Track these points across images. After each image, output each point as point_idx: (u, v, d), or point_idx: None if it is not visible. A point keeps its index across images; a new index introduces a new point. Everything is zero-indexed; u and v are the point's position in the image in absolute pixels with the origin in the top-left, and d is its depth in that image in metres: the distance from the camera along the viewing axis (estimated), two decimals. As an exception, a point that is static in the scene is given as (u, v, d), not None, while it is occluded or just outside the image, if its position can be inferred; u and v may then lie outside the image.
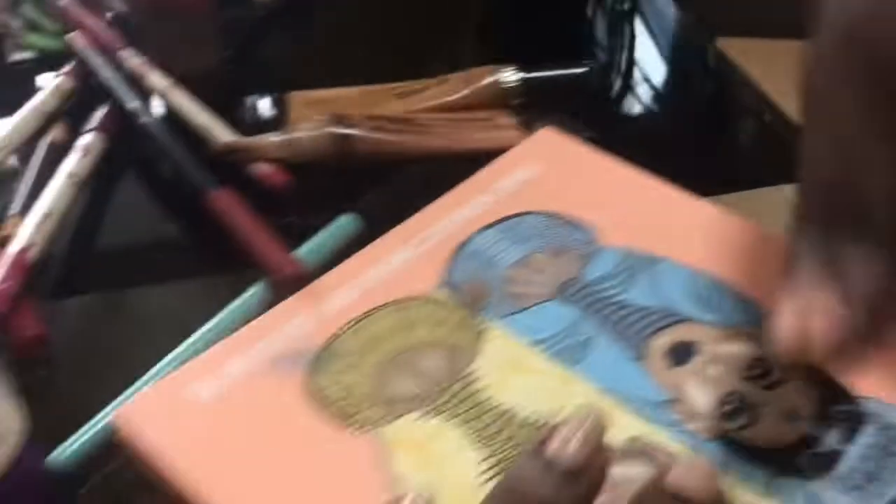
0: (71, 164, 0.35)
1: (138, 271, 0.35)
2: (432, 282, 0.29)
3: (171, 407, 0.25)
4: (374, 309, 0.28)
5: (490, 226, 0.31)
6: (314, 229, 0.34)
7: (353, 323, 0.27)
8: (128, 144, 0.39)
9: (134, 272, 0.35)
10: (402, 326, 0.27)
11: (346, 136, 0.37)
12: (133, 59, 0.42)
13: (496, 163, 0.33)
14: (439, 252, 0.30)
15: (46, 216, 0.33)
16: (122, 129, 0.39)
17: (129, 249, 0.37)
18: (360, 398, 0.25)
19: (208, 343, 0.29)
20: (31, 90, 0.43)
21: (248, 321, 0.29)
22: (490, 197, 0.32)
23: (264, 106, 0.41)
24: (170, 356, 0.29)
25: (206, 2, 0.40)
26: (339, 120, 0.37)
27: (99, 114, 0.39)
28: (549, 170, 0.33)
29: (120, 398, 0.28)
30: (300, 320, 0.28)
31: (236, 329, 0.28)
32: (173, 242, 0.37)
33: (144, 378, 0.29)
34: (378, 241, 0.30)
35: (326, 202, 0.36)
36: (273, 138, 0.37)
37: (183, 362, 0.28)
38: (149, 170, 0.39)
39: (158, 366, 0.29)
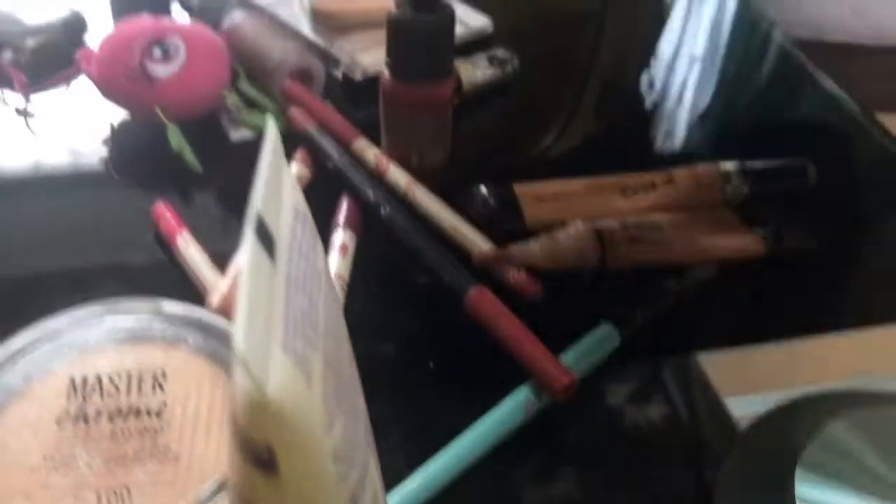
0: (334, 265, 0.36)
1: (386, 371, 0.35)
2: None
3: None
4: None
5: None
6: (570, 336, 0.34)
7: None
8: (372, 240, 0.39)
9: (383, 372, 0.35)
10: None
11: (601, 245, 0.37)
12: (367, 149, 0.42)
13: None
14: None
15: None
16: (367, 223, 0.39)
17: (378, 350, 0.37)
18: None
19: (479, 442, 0.30)
20: (254, 169, 0.43)
21: (515, 423, 0.29)
22: None
23: (492, 197, 0.41)
24: (440, 456, 0.29)
25: (450, 103, 0.41)
26: (594, 228, 0.37)
27: (344, 207, 0.39)
28: None
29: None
30: None
31: (503, 431, 0.29)
32: (428, 341, 0.37)
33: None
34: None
35: (579, 308, 0.36)
36: (533, 247, 0.37)
37: (456, 462, 0.29)
38: (395, 266, 0.39)
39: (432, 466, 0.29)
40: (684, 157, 0.47)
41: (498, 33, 0.56)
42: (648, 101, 0.53)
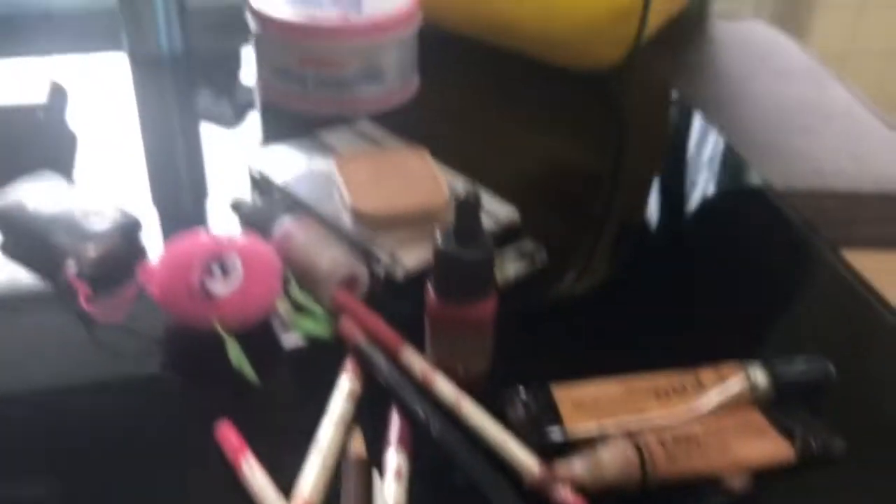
0: (391, 493, 0.38)
1: None
2: None
3: None
4: None
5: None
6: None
7: None
8: (423, 457, 0.41)
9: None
10: None
11: (642, 462, 0.39)
12: (414, 360, 0.45)
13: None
14: None
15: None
16: (417, 438, 0.42)
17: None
18: None
19: None
20: (309, 379, 0.46)
21: None
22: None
23: (530, 400, 0.43)
24: None
25: (492, 320, 0.44)
26: (634, 445, 0.40)
27: (394, 425, 0.42)
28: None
29: None
30: None
31: None
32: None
33: None
34: None
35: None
36: (578, 466, 0.39)
37: None
38: (447, 489, 0.41)
39: None
40: (705, 341, 0.50)
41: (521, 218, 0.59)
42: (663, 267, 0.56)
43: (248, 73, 0.78)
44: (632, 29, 0.76)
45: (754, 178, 0.71)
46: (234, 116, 0.72)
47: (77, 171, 0.63)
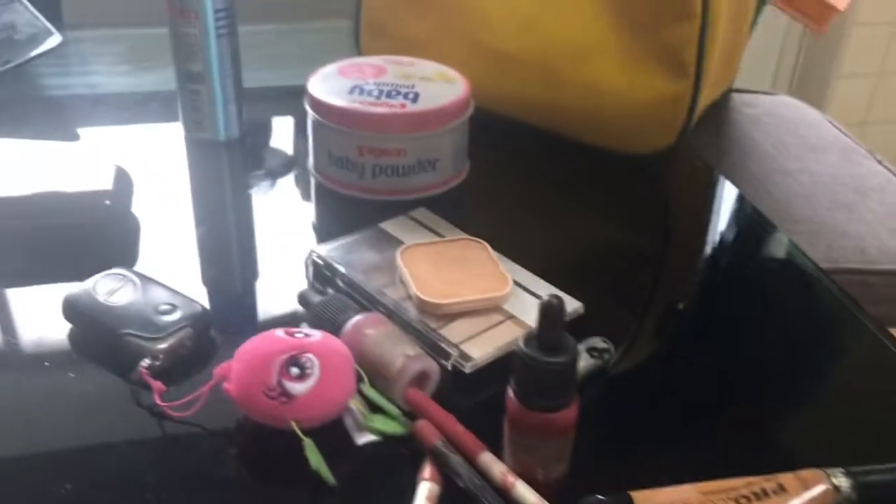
0: None
1: None
2: None
3: None
4: None
5: None
6: None
7: None
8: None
9: None
10: None
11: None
12: (493, 464, 0.45)
13: None
14: None
15: None
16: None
17: None
18: None
19: None
20: (384, 477, 0.46)
21: None
22: None
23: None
24: None
25: (574, 426, 0.44)
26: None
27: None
28: None
29: None
30: None
31: None
32: None
33: None
34: None
35: None
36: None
37: None
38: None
39: None
40: (780, 442, 0.49)
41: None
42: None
43: (304, 157, 0.79)
44: (681, 115, 0.77)
45: (799, 257, 0.71)
46: (290, 201, 0.74)
47: (143, 257, 0.64)
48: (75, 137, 0.83)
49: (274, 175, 0.78)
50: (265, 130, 0.85)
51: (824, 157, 1.11)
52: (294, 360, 0.47)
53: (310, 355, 0.47)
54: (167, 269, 0.63)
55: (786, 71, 2.22)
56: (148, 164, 0.77)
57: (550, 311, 0.40)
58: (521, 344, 0.42)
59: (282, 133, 0.86)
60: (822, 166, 1.09)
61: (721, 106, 1.14)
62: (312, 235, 0.70)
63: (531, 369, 0.42)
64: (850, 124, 1.49)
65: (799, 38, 2.17)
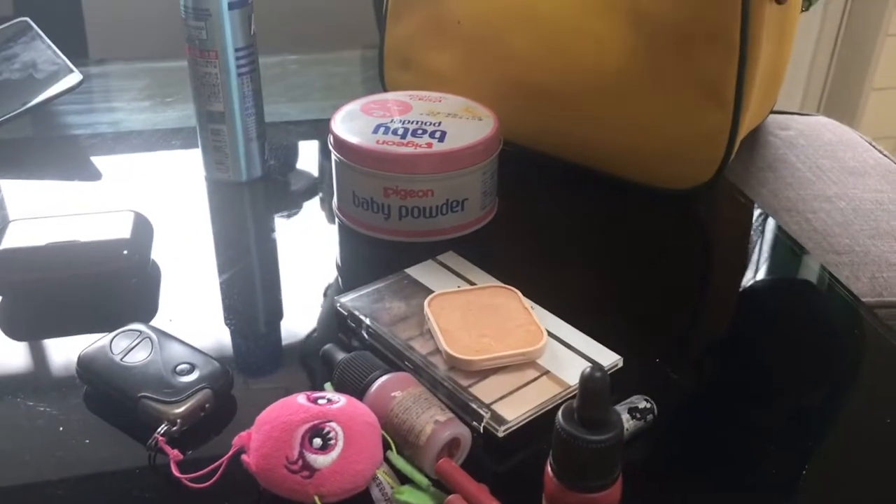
0: None
1: None
2: None
3: None
4: None
5: None
6: None
7: None
8: None
9: None
10: None
11: None
12: (530, 545, 0.42)
13: None
14: None
15: None
16: None
17: None
18: None
19: None
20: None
21: None
22: None
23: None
24: None
25: (619, 501, 0.41)
26: None
27: None
28: None
29: None
30: None
31: None
32: None
33: None
34: None
35: None
36: None
37: None
38: None
39: None
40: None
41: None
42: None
43: (329, 197, 0.77)
44: (719, 150, 0.74)
45: (843, 293, 0.67)
46: (314, 243, 0.71)
47: (162, 308, 0.62)
48: (97, 177, 0.81)
49: (297, 216, 0.76)
50: (288, 169, 0.83)
51: (864, 182, 1.07)
52: (317, 431, 0.44)
53: (333, 424, 0.45)
54: (186, 321, 0.61)
55: (817, 83, 2.18)
56: (169, 206, 0.75)
57: (593, 387, 0.38)
58: (560, 419, 0.39)
59: (305, 172, 0.84)
60: (861, 191, 1.05)
61: (756, 129, 1.10)
62: (337, 280, 0.67)
63: (571, 447, 0.39)
64: (884, 138, 1.44)
65: (830, 50, 2.13)
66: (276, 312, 0.64)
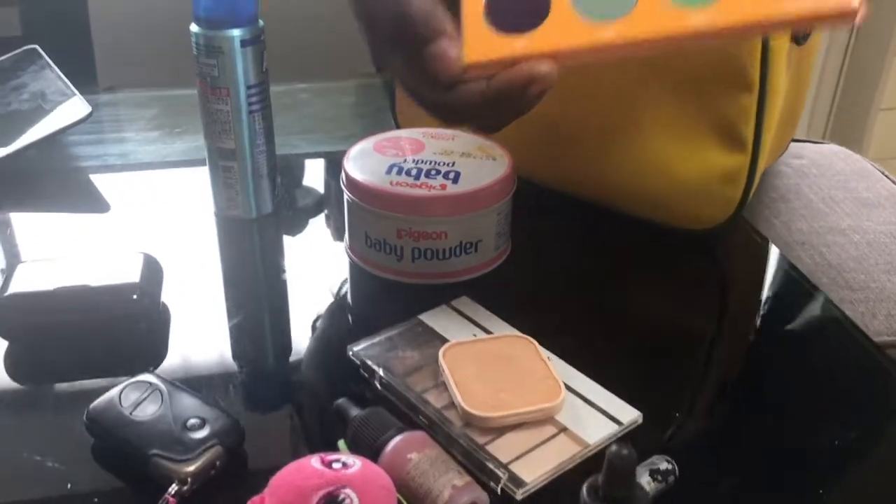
0: None
1: None
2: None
3: None
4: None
5: None
6: None
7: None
8: None
9: None
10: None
11: None
12: None
13: None
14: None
15: None
16: None
17: None
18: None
19: None
20: None
21: None
22: None
23: None
24: None
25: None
26: None
27: None
28: None
29: None
30: None
31: None
32: None
33: None
34: None
35: None
36: None
37: None
38: None
39: None
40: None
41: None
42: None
43: (340, 236, 0.76)
44: (737, 191, 0.73)
45: (860, 338, 0.66)
46: (325, 284, 0.70)
47: (172, 355, 0.61)
48: (105, 209, 0.80)
49: (308, 255, 0.75)
50: (299, 205, 0.82)
51: (878, 214, 1.06)
52: (331, 498, 0.43)
53: (348, 490, 0.44)
54: (197, 368, 0.60)
55: (824, 104, 2.18)
56: (178, 243, 0.74)
57: (620, 466, 0.37)
58: (585, 496, 0.38)
59: (316, 208, 0.83)
60: (876, 223, 1.04)
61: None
62: (349, 324, 0.66)
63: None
64: (891, 159, 1.43)
65: (837, 70, 2.13)
66: (287, 359, 0.63)
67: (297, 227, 0.79)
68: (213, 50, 0.68)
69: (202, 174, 0.77)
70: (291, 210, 0.81)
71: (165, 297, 0.65)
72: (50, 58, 0.92)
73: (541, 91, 0.52)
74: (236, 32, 0.68)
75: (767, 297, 0.73)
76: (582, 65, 0.52)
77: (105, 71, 1.06)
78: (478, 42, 0.51)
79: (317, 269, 0.72)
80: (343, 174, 0.69)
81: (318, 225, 0.80)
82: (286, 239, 0.77)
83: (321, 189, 0.85)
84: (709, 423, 0.57)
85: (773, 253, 0.79)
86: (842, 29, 0.60)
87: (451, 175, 0.68)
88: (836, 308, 0.70)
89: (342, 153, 0.71)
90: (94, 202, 0.81)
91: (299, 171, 0.86)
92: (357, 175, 0.68)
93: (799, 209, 1.04)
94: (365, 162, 0.70)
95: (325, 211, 0.83)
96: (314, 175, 0.88)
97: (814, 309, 0.71)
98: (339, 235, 0.76)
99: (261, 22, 0.70)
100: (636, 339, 0.65)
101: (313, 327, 0.65)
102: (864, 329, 0.69)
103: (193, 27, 0.69)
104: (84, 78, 0.91)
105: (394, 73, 0.57)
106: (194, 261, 0.73)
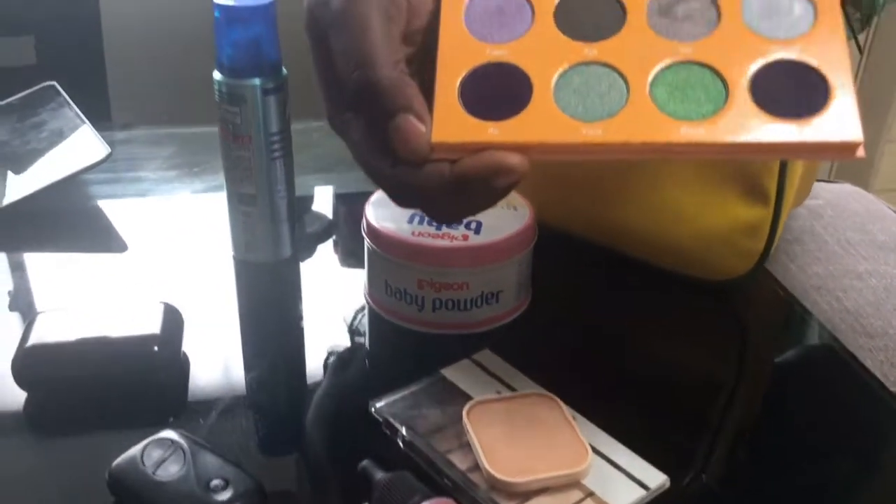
0: None
1: None
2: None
3: None
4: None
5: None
6: None
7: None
8: None
9: None
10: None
11: None
12: None
13: None
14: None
15: None
16: None
17: None
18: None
19: None
20: None
21: None
22: None
23: None
24: None
25: None
26: None
27: None
28: None
29: None
30: None
31: None
32: None
33: None
34: None
35: None
36: None
37: None
38: None
39: None
40: None
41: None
42: None
43: (357, 280, 0.75)
44: (759, 243, 0.72)
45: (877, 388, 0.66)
46: (345, 333, 0.70)
47: (193, 408, 0.61)
48: (123, 249, 0.80)
49: (326, 300, 0.74)
50: (308, 230, 0.82)
51: (895, 258, 1.05)
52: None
53: (378, 563, 0.43)
54: (218, 422, 0.59)
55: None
56: (196, 288, 0.74)
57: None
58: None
59: (325, 234, 0.83)
60: (893, 267, 1.03)
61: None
62: (368, 371, 0.66)
63: None
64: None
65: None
66: (307, 412, 0.62)
67: (315, 271, 0.78)
68: (236, 98, 0.68)
69: (221, 215, 0.77)
70: (309, 253, 0.80)
71: (186, 346, 0.65)
72: (64, 89, 0.92)
73: (507, 185, 0.46)
74: (259, 81, 0.68)
75: (791, 354, 0.73)
76: (557, 163, 0.48)
77: (119, 105, 1.06)
78: (448, 122, 0.46)
79: (335, 316, 0.72)
80: (364, 221, 0.69)
81: (336, 269, 0.79)
82: (304, 284, 0.76)
83: (339, 232, 0.85)
84: (737, 488, 0.57)
85: (792, 302, 0.78)
86: (842, 160, 0.58)
87: (473, 225, 0.67)
88: (856, 361, 0.69)
89: (359, 194, 0.71)
90: (111, 242, 0.81)
91: (318, 216, 0.86)
92: (378, 223, 0.68)
93: (814, 251, 1.04)
94: (386, 210, 0.69)
95: (334, 237, 0.82)
96: (333, 218, 0.87)
97: (836, 365, 0.71)
98: (346, 262, 0.75)
99: (284, 70, 0.70)
100: (660, 397, 0.64)
101: (331, 373, 0.64)
102: (884, 379, 0.68)
103: (216, 74, 0.69)
104: (98, 110, 0.91)
105: (346, 139, 0.50)
106: (212, 306, 0.72)
